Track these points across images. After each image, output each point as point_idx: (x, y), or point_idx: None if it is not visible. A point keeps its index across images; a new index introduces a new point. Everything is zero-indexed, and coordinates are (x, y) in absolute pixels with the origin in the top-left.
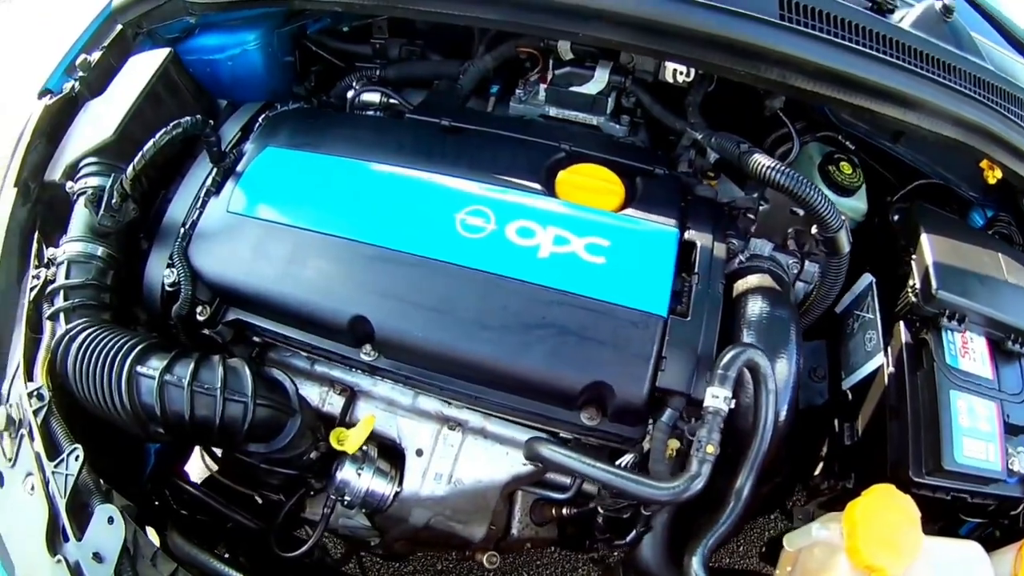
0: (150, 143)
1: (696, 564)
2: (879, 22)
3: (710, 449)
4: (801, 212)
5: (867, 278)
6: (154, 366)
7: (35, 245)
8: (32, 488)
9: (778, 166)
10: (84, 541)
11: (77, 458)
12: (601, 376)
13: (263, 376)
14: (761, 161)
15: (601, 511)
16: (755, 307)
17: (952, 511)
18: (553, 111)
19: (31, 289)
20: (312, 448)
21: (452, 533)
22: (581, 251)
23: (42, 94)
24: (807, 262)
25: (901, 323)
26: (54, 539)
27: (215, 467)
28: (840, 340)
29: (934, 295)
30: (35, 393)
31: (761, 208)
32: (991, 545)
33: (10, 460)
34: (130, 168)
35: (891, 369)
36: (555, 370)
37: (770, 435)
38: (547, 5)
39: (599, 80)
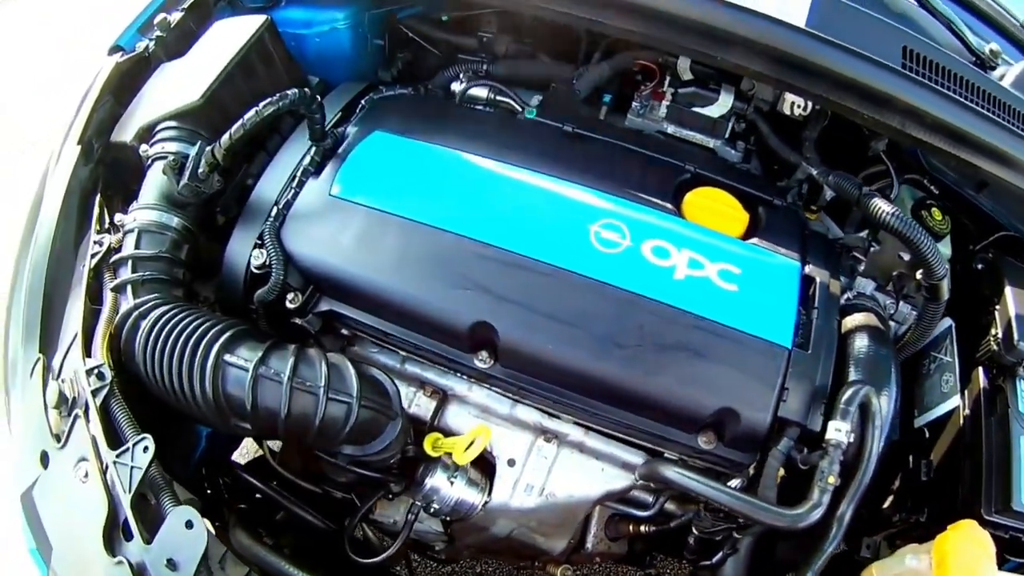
0: (252, 112)
1: None
2: (986, 80)
3: (831, 479)
4: (907, 256)
5: (947, 321)
6: (245, 356)
7: (96, 208)
8: (86, 475)
9: (898, 212)
10: (155, 544)
11: (146, 449)
12: (729, 402)
13: (364, 375)
14: (881, 206)
15: (695, 532)
16: (862, 344)
17: (1002, 549)
18: (671, 128)
19: (92, 256)
20: (400, 452)
21: (532, 545)
22: (715, 277)
23: (112, 51)
24: (902, 303)
25: (980, 369)
26: (113, 536)
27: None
28: (915, 379)
29: (1015, 346)
30: (95, 371)
31: (872, 249)
32: None
33: (58, 439)
34: (226, 136)
35: (967, 412)
36: (686, 393)
37: (874, 467)
38: (696, 26)
39: (723, 104)
